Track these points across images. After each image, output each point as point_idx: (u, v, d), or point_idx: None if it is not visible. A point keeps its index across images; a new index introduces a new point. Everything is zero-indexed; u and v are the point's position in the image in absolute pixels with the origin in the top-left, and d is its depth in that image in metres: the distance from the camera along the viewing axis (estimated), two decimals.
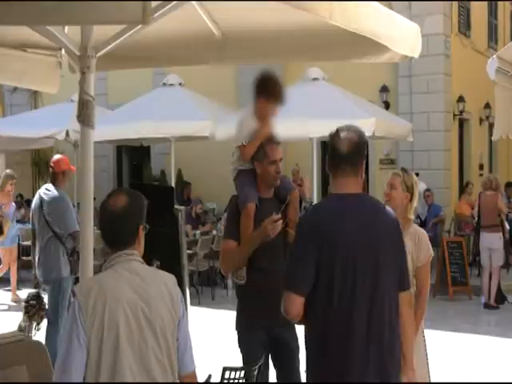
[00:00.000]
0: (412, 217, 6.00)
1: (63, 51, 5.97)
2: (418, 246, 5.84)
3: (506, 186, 19.45)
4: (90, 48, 5.05)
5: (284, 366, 5.63)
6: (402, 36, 5.32)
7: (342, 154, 4.13)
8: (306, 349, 4.17)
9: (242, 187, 5.60)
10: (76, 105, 5.09)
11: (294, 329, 5.56)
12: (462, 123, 21.28)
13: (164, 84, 16.73)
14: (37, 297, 8.19)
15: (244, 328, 5.59)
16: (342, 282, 3.92)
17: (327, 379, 4.00)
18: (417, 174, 6.61)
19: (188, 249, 12.45)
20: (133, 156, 23.60)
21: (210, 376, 4.72)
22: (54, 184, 8.93)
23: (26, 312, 7.98)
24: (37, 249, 8.97)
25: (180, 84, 16.59)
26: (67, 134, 15.98)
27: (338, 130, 4.20)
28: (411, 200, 5.94)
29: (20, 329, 7.61)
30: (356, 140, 4.17)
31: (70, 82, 6.46)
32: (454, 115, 20.22)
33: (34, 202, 9.11)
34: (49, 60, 6.26)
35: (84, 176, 5.18)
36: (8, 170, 14.87)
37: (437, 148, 19.08)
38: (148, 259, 5.58)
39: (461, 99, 20.09)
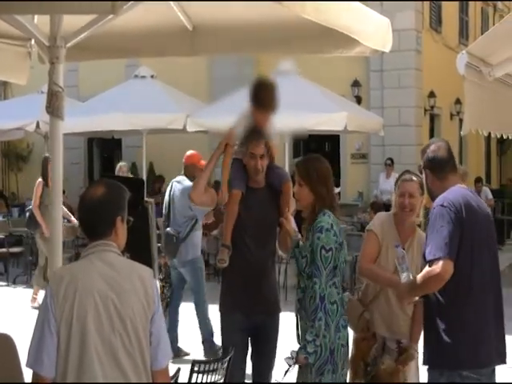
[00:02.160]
0: (417, 220, 5.65)
1: (33, 41, 5.92)
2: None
3: (476, 181, 19.57)
4: (59, 38, 5.01)
5: (260, 353, 5.72)
6: (373, 30, 5.33)
7: (445, 158, 4.70)
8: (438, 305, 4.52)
9: (231, 174, 5.68)
10: (46, 96, 5.06)
11: (276, 318, 5.63)
12: (432, 118, 21.40)
13: (136, 76, 16.66)
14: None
15: (225, 310, 5.72)
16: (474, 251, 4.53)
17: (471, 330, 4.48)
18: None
19: (159, 242, 12.43)
20: (104, 148, 23.48)
21: (178, 369, 4.71)
22: (185, 176, 9.50)
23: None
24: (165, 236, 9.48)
25: (152, 76, 16.54)
26: (37, 125, 15.89)
27: (428, 145, 4.80)
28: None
29: None
30: (447, 144, 4.82)
31: (40, 73, 6.40)
32: (425, 110, 20.33)
33: (169, 190, 9.75)
34: (18, 50, 6.19)
35: (53, 168, 5.15)
36: None
37: (408, 143, 19.16)
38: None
39: (432, 94, 20.20)
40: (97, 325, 3.44)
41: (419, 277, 4.49)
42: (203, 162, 9.11)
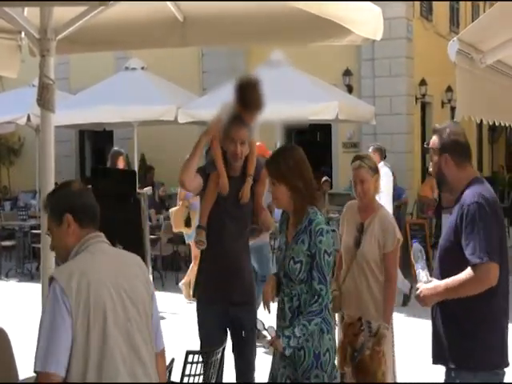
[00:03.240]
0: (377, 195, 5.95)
1: (23, 34, 5.90)
2: (385, 231, 5.75)
3: None
4: (49, 30, 5.00)
5: (237, 345, 5.66)
6: (365, 19, 5.33)
7: (467, 144, 4.47)
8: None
9: (209, 159, 5.67)
10: (37, 89, 5.05)
11: (252, 310, 5.61)
12: (424, 106, 21.40)
13: (126, 68, 16.61)
14: None
15: (202, 300, 5.66)
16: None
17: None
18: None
19: (152, 233, 12.41)
20: (95, 141, 23.42)
21: (172, 360, 4.71)
22: None
23: None
24: None
25: (142, 68, 16.49)
26: (28, 118, 15.83)
27: (446, 127, 4.48)
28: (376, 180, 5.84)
29: None
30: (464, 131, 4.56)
31: (31, 66, 6.39)
32: (417, 98, 20.32)
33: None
34: (8, 43, 6.17)
35: (45, 161, 5.14)
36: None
37: (399, 131, 19.17)
38: (111, 243, 5.59)
39: (423, 82, 20.19)
40: (114, 316, 3.44)
41: (457, 279, 4.17)
42: (269, 152, 9.37)
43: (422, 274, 4.37)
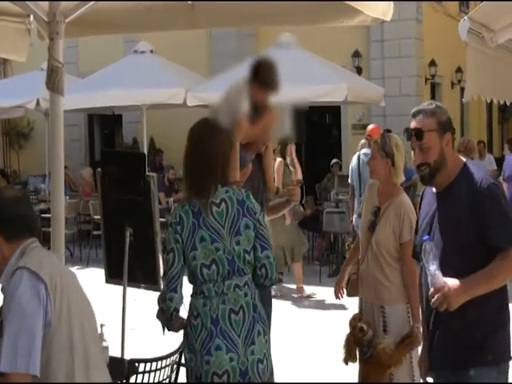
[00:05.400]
0: (399, 181, 5.67)
1: (32, 18, 5.88)
2: (400, 220, 5.49)
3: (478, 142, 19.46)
4: (58, 13, 4.99)
5: None
6: None
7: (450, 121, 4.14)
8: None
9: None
10: (46, 73, 5.04)
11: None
12: (433, 87, 21.31)
13: (135, 51, 16.59)
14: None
15: None
16: None
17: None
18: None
19: (161, 216, 12.41)
20: (104, 124, 23.42)
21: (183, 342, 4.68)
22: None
23: None
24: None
25: (151, 51, 16.47)
26: (38, 103, 15.85)
27: (437, 106, 4.31)
28: (394, 164, 5.60)
29: None
30: None
31: (40, 50, 6.37)
32: (426, 79, 20.24)
33: (353, 162, 11.51)
34: (17, 27, 6.15)
35: (55, 144, 5.14)
36: None
37: (409, 113, 18.74)
38: (121, 226, 5.60)
39: (432, 63, 20.10)
40: (84, 313, 3.50)
41: (492, 269, 3.69)
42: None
43: (439, 274, 3.65)
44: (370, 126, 12.00)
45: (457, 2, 22.86)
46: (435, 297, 3.60)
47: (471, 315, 3.78)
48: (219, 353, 4.02)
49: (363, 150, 11.36)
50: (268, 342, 4.26)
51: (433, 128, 4.09)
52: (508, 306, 3.91)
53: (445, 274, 3.63)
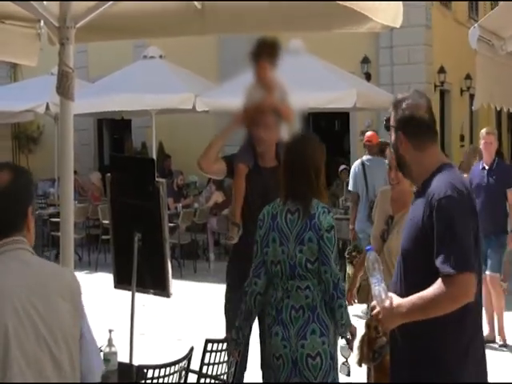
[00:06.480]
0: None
1: (42, 23, 5.91)
2: None
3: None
4: (69, 19, 5.00)
5: (264, 333, 5.63)
6: (383, 5, 5.29)
7: (426, 120, 3.66)
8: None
9: (239, 149, 5.75)
10: (56, 78, 5.06)
11: None
12: (442, 94, 21.29)
13: (144, 57, 16.63)
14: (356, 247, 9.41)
15: (231, 285, 5.70)
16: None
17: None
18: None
19: (170, 222, 12.43)
20: (114, 129, 23.47)
21: (192, 348, 4.72)
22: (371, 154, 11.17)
23: (351, 262, 8.94)
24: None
25: (160, 56, 16.50)
26: (47, 107, 15.90)
27: (403, 99, 3.73)
28: None
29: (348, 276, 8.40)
30: (429, 102, 3.72)
31: (50, 55, 6.40)
32: (435, 86, 20.21)
33: (357, 169, 11.17)
34: (27, 32, 6.18)
35: (64, 149, 5.15)
36: None
37: None
38: (130, 231, 5.60)
39: (442, 70, 20.08)
40: (19, 336, 2.85)
41: (425, 296, 3.37)
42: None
43: (379, 289, 3.53)
44: (369, 133, 11.95)
45: (466, 9, 22.82)
46: (374, 311, 3.54)
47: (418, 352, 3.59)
48: (276, 338, 4.57)
49: (365, 157, 11.29)
50: (327, 344, 4.58)
51: (391, 122, 3.80)
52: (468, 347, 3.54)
53: (408, 276, 3.57)
